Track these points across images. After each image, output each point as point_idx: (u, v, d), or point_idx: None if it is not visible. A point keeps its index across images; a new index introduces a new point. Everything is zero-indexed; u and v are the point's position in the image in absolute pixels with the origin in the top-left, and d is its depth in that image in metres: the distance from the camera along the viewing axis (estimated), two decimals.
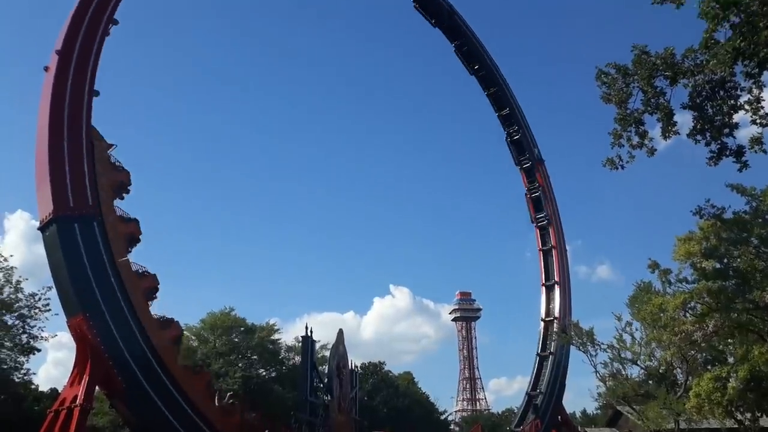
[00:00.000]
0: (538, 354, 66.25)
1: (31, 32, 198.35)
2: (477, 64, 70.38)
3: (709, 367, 34.20)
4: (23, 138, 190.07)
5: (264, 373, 62.35)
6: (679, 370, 38.48)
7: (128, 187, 38.85)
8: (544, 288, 68.34)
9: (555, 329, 62.81)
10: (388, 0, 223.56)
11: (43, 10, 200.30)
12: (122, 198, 38.62)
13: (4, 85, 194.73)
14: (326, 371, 49.79)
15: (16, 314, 36.31)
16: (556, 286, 66.96)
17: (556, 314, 65.16)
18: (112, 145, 38.45)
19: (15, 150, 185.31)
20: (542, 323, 67.01)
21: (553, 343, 63.65)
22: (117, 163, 38.57)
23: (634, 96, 16.05)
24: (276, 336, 65.02)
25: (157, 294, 38.28)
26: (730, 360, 32.12)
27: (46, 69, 36.90)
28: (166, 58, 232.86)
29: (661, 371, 39.47)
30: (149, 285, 37.63)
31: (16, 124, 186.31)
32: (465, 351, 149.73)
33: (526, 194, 71.39)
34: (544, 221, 69.74)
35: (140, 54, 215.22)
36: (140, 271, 37.45)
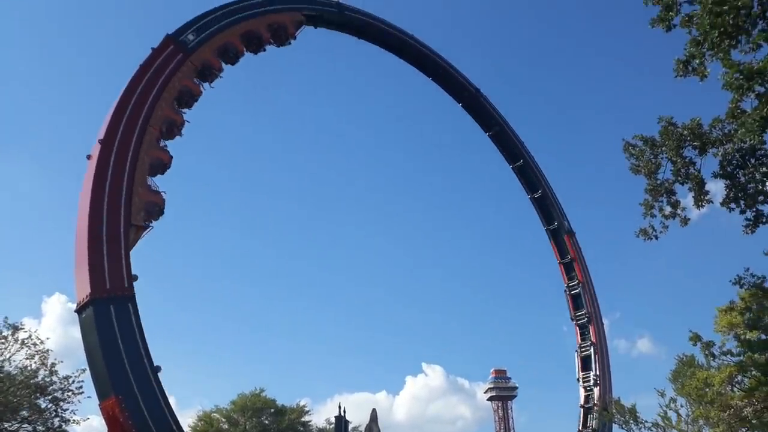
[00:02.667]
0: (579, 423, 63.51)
1: (74, 121, 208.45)
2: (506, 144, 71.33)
3: None
4: (63, 222, 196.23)
5: None
6: None
7: (162, 210, 41.10)
8: (579, 361, 66.36)
9: (595, 407, 60.38)
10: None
11: (85, 97, 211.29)
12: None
13: (47, 171, 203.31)
14: None
15: (49, 397, 36.31)
16: (594, 362, 64.88)
17: (596, 393, 62.73)
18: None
19: (55, 233, 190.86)
20: (582, 401, 64.50)
21: (594, 421, 61.04)
22: (153, 187, 40.85)
23: (663, 166, 16.21)
24: (306, 417, 63.48)
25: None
26: None
27: (89, 157, 38.59)
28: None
29: None
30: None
31: (57, 208, 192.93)
32: (502, 431, 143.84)
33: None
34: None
35: None
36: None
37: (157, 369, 34.85)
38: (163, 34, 43.55)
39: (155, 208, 40.44)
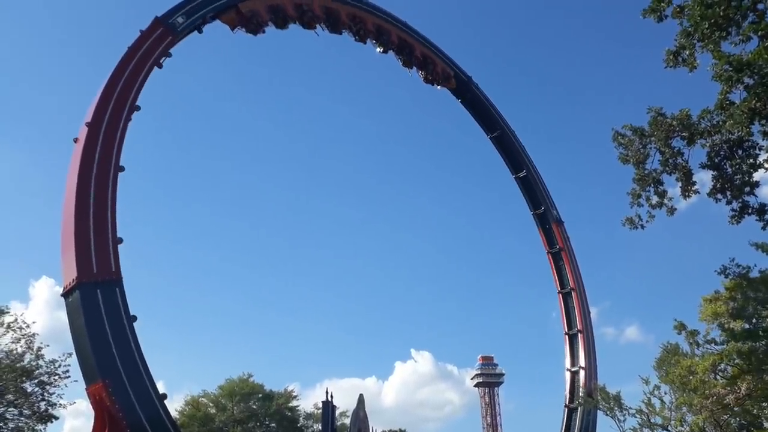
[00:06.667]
0: (565, 409, 63.69)
1: (61, 103, 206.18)
2: (494, 127, 70.37)
3: None
4: (50, 205, 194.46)
5: None
6: None
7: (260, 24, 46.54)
8: (568, 351, 66.37)
9: (581, 394, 60.81)
10: None
11: (72, 80, 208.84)
12: None
13: (34, 154, 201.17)
14: None
15: (35, 381, 36.17)
16: (578, 333, 64.66)
17: (582, 380, 63.04)
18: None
19: (42, 217, 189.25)
20: (567, 390, 64.78)
21: (579, 408, 61.52)
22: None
23: (651, 156, 16.29)
24: (294, 403, 63.73)
25: None
26: (766, 425, 30.89)
27: (76, 140, 38.13)
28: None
29: None
30: None
31: (44, 192, 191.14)
32: (488, 418, 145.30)
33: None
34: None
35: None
36: None
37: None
38: (152, 16, 43.03)
39: (265, 16, 46.10)
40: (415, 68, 59.45)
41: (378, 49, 56.79)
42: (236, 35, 48.13)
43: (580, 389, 61.21)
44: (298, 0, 49.41)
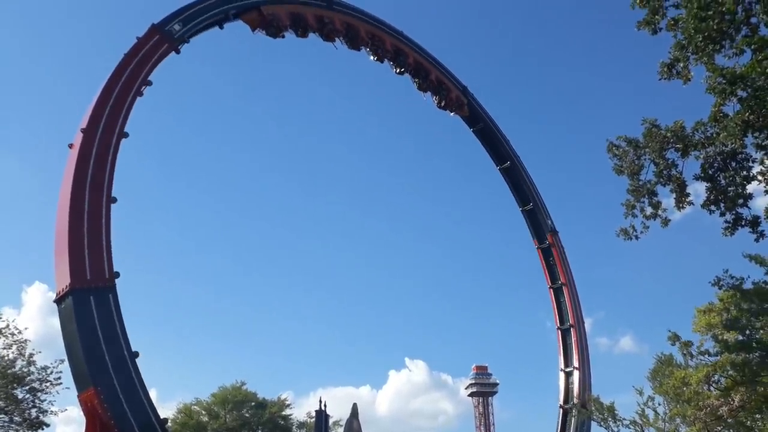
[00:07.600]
0: (560, 410, 63.27)
1: (54, 108, 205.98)
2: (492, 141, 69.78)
3: None
4: (43, 210, 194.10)
5: None
6: None
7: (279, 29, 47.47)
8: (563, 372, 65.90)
9: (575, 404, 60.67)
10: None
11: (66, 85, 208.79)
12: None
13: (28, 159, 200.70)
14: None
15: (27, 388, 35.93)
16: (575, 370, 64.24)
17: (576, 390, 62.78)
18: None
19: (36, 222, 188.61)
20: (560, 403, 64.46)
21: (573, 419, 61.37)
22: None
23: (646, 168, 16.38)
24: (288, 411, 63.42)
25: None
26: None
27: (71, 146, 38.02)
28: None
29: None
30: None
31: (38, 197, 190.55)
32: (482, 428, 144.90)
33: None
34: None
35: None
36: None
37: (135, 355, 34.34)
38: (149, 23, 43.04)
39: (286, 21, 46.72)
40: (429, 93, 59.85)
41: (395, 70, 57.58)
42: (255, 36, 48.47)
43: (574, 399, 61.01)
44: (319, 12, 49.81)
